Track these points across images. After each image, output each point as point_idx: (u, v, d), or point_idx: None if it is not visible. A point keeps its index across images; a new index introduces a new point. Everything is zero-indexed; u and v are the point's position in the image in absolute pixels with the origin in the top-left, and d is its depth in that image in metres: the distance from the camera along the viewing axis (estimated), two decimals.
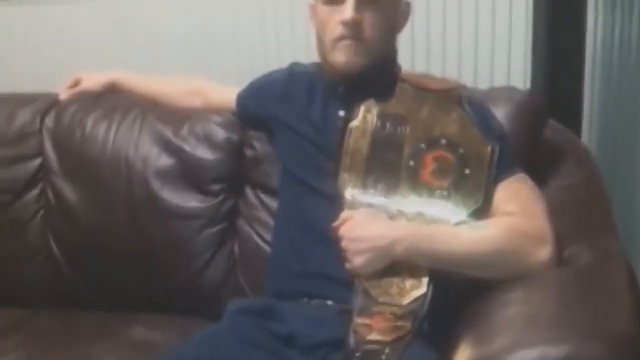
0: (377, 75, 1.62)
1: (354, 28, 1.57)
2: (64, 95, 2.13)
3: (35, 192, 2.09)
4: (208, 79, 2.07)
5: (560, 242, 1.46)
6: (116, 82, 2.12)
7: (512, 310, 1.31)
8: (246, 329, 1.49)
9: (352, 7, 1.56)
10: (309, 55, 1.79)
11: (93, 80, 2.13)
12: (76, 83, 2.14)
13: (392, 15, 1.64)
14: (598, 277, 1.38)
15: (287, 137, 1.75)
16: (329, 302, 1.54)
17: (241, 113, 1.94)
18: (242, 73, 2.31)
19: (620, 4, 2.31)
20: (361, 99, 1.61)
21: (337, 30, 1.59)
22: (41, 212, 2.08)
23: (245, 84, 1.93)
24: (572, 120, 2.13)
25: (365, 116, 1.59)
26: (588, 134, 2.36)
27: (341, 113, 1.64)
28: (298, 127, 1.70)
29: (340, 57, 1.60)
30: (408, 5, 1.70)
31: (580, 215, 1.64)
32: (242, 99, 1.93)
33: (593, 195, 1.74)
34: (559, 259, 1.44)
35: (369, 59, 1.59)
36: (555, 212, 1.51)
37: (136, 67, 2.18)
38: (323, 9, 1.62)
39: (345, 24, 1.57)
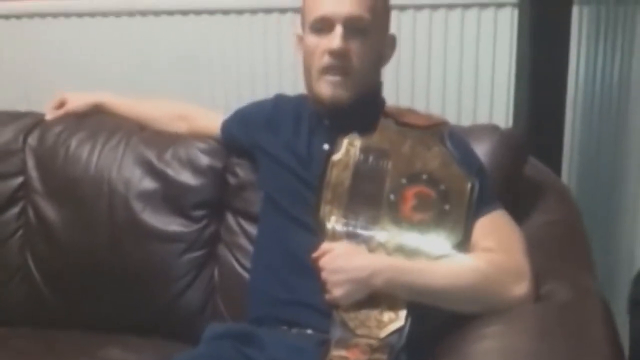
0: (362, 108, 1.64)
1: (340, 58, 1.58)
2: (49, 116, 2.12)
3: (15, 210, 2.07)
4: (195, 104, 2.08)
5: (538, 279, 1.46)
6: (102, 104, 2.12)
7: (489, 344, 1.31)
8: (225, 353, 1.48)
9: (339, 36, 1.57)
10: (295, 85, 1.80)
11: (78, 101, 2.12)
12: (61, 104, 2.14)
13: (378, 47, 1.65)
14: (575, 314, 1.39)
15: (270, 166, 1.75)
16: (309, 331, 1.54)
17: (226, 140, 1.94)
18: (229, 100, 2.34)
19: (603, 45, 2.34)
20: (346, 132, 1.62)
21: (323, 59, 1.60)
22: (20, 231, 2.07)
23: (231, 111, 1.95)
24: (553, 159, 2.15)
25: (349, 149, 1.60)
26: (568, 173, 2.39)
27: (326, 147, 1.64)
28: (282, 157, 1.71)
29: (327, 90, 1.61)
30: (394, 38, 1.72)
31: (558, 253, 1.65)
32: (228, 126, 1.94)
33: (572, 233, 1.76)
34: (537, 295, 1.45)
35: (354, 92, 1.60)
36: (534, 248, 1.52)
37: (123, 89, 2.19)
38: (311, 38, 1.63)
39: (332, 53, 1.58)
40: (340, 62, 1.59)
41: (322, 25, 1.60)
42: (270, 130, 1.78)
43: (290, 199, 1.67)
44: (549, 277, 1.50)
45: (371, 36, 1.61)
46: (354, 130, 1.62)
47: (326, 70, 1.60)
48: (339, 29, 1.58)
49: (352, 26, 1.58)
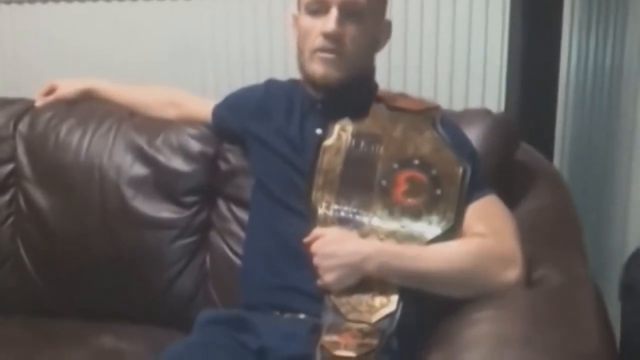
0: (355, 92, 1.64)
1: (334, 41, 1.58)
2: (39, 102, 2.11)
3: (6, 197, 2.07)
4: (185, 90, 2.07)
5: (530, 264, 1.47)
6: (92, 90, 2.11)
7: (481, 329, 1.31)
8: (218, 339, 1.48)
9: (335, 19, 1.57)
10: (287, 69, 1.80)
11: (68, 87, 2.12)
12: (51, 90, 2.13)
13: (374, 32, 1.65)
14: (567, 299, 1.39)
15: (261, 152, 1.75)
16: (302, 316, 1.54)
17: (217, 126, 1.94)
18: (219, 85, 2.34)
19: (595, 29, 2.34)
20: (338, 116, 1.62)
21: (317, 41, 1.60)
22: (11, 219, 2.06)
23: (222, 97, 1.94)
24: (545, 144, 2.15)
25: (340, 135, 1.60)
26: (560, 158, 2.39)
27: (318, 131, 1.64)
28: (274, 143, 1.71)
29: (319, 68, 1.61)
30: (389, 24, 1.72)
31: (550, 238, 1.66)
32: (218, 112, 1.93)
33: (563, 218, 1.76)
34: (528, 280, 1.45)
35: (346, 74, 1.60)
36: (526, 233, 1.52)
37: (114, 75, 2.18)
38: (306, 19, 1.63)
39: (326, 35, 1.58)
40: (334, 44, 1.59)
41: (318, 7, 1.61)
42: (262, 116, 1.78)
43: (282, 184, 1.67)
44: (541, 262, 1.51)
45: (366, 20, 1.61)
46: (346, 115, 1.62)
47: (320, 49, 1.60)
48: (334, 12, 1.58)
49: (348, 10, 1.58)
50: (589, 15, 2.33)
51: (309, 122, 1.68)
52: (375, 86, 1.74)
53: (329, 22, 1.57)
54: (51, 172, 2.02)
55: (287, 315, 1.56)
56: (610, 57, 2.35)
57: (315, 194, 1.56)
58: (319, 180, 1.57)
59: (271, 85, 1.85)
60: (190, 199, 1.96)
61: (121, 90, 2.10)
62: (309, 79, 1.65)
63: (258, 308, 1.60)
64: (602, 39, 2.34)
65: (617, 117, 2.39)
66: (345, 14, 1.58)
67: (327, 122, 1.63)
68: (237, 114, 1.87)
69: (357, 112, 1.63)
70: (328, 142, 1.60)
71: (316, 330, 1.44)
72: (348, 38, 1.59)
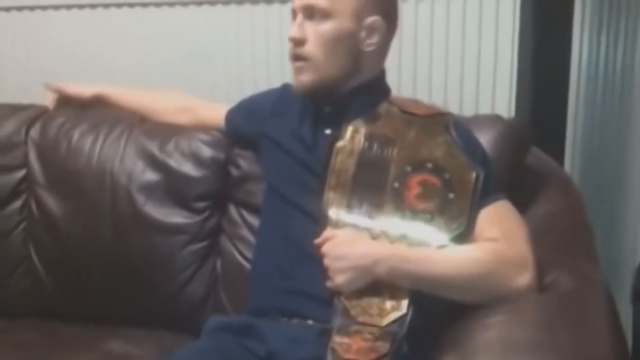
0: (360, 94, 1.64)
1: (297, 45, 1.62)
2: (49, 101, 2.13)
3: (18, 203, 2.08)
4: (196, 96, 2.08)
5: (541, 269, 1.46)
6: (102, 95, 2.12)
7: (492, 333, 1.31)
8: (226, 346, 1.49)
9: (296, 24, 1.61)
10: None
11: (79, 89, 2.13)
12: (58, 92, 2.14)
13: (344, 31, 1.61)
14: (579, 304, 1.39)
15: (275, 154, 1.75)
16: (310, 322, 1.54)
17: (230, 131, 1.95)
18: (230, 91, 2.34)
19: (606, 34, 2.34)
20: (349, 119, 1.62)
21: (289, 48, 1.64)
22: (23, 224, 2.07)
23: (234, 102, 1.95)
24: (555, 148, 2.15)
25: (353, 136, 1.60)
26: (571, 163, 2.38)
27: (327, 131, 1.65)
28: (287, 144, 1.71)
29: (293, 78, 1.65)
30: (380, 22, 1.64)
31: (561, 243, 1.65)
32: (232, 117, 1.94)
33: (575, 222, 1.75)
34: (540, 285, 1.45)
35: (314, 77, 1.62)
36: (537, 238, 1.51)
37: (125, 81, 2.18)
38: None
39: (289, 40, 1.62)
40: (296, 49, 1.62)
41: (293, 16, 1.64)
42: (277, 119, 1.78)
43: (294, 186, 1.67)
44: (552, 267, 1.50)
45: (334, 20, 1.59)
46: (357, 117, 1.62)
47: (291, 58, 1.64)
48: (298, 18, 1.61)
49: (309, 12, 1.60)
50: (600, 19, 2.33)
51: (320, 125, 1.68)
52: (387, 89, 1.73)
53: (292, 27, 1.61)
54: (63, 177, 2.03)
55: (295, 321, 1.56)
56: (621, 60, 2.34)
57: (327, 196, 1.56)
58: (331, 181, 1.57)
59: (287, 89, 1.85)
60: (201, 204, 1.96)
61: (132, 96, 2.11)
62: None
63: (266, 314, 1.60)
64: (613, 42, 2.34)
65: (629, 121, 2.38)
66: (309, 17, 1.60)
67: (338, 123, 1.63)
68: (251, 118, 1.88)
69: (369, 114, 1.63)
70: (341, 143, 1.60)
71: (325, 335, 1.44)
72: (310, 40, 1.61)
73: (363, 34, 1.63)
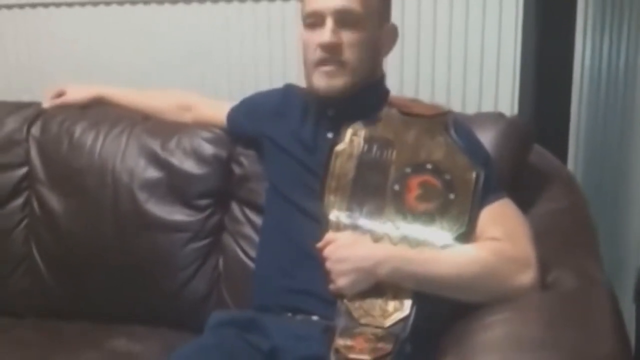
0: (365, 98, 1.64)
1: (332, 51, 1.60)
2: (46, 104, 2.12)
3: (19, 201, 2.08)
4: (198, 94, 2.07)
5: (544, 267, 1.46)
6: (102, 96, 2.12)
7: (495, 332, 1.31)
8: (229, 341, 1.49)
9: (330, 30, 1.58)
10: (299, 75, 1.79)
11: (78, 92, 2.13)
12: (60, 94, 2.14)
13: (373, 38, 1.63)
14: (582, 302, 1.39)
15: (276, 155, 1.75)
16: (314, 318, 1.54)
17: (232, 129, 1.95)
18: (232, 90, 2.33)
19: (609, 31, 2.33)
20: (350, 122, 1.62)
21: (316, 53, 1.61)
22: (25, 222, 2.07)
23: (236, 101, 1.94)
24: (559, 146, 2.15)
25: (353, 139, 1.60)
26: (574, 161, 2.38)
27: (329, 135, 1.65)
28: (288, 146, 1.71)
29: (321, 81, 1.62)
30: (395, 28, 1.71)
31: (564, 241, 1.65)
32: (234, 115, 1.94)
33: (578, 221, 1.75)
34: (542, 283, 1.45)
35: (349, 82, 1.61)
36: (540, 237, 1.51)
37: (127, 79, 2.18)
38: (305, 33, 1.65)
39: (323, 47, 1.59)
40: (332, 55, 1.60)
41: (315, 20, 1.62)
42: (278, 119, 1.78)
43: (295, 187, 1.67)
44: (555, 265, 1.50)
45: (364, 27, 1.60)
46: (358, 120, 1.62)
47: (320, 62, 1.62)
48: (329, 23, 1.59)
49: (343, 19, 1.59)
50: (603, 17, 2.32)
51: (322, 127, 1.68)
52: (386, 91, 1.74)
53: (325, 33, 1.59)
54: (64, 175, 2.03)
55: (299, 317, 1.56)
56: (624, 58, 2.34)
57: (328, 198, 1.56)
58: (331, 184, 1.57)
59: (289, 90, 1.85)
60: (203, 202, 1.96)
61: (133, 96, 2.11)
62: (313, 92, 1.66)
63: (270, 310, 1.60)
64: (616, 40, 2.33)
65: (632, 119, 2.38)
66: (341, 23, 1.59)
67: (339, 126, 1.63)
68: (253, 118, 1.88)
69: (369, 117, 1.63)
70: (340, 146, 1.60)
71: (329, 332, 1.45)
72: (346, 46, 1.60)
73: (385, 41, 1.67)
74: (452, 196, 1.52)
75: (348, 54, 1.60)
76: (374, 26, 1.63)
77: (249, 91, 1.96)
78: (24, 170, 2.07)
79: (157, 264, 1.95)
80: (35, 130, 2.08)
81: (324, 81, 1.62)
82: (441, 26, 2.30)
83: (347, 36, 1.59)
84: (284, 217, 1.68)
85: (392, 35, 1.70)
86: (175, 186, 1.96)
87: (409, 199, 1.53)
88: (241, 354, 1.46)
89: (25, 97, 2.24)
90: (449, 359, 1.32)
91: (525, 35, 2.22)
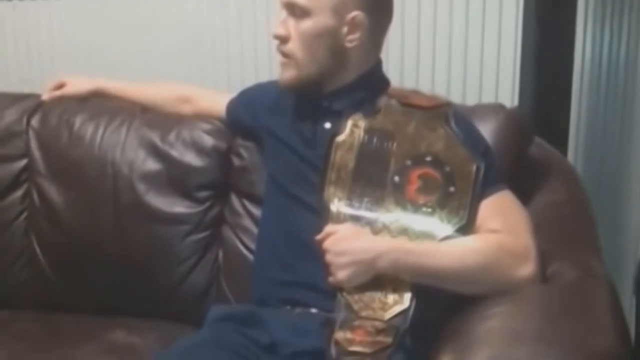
0: (361, 89, 1.64)
1: (280, 42, 1.62)
2: (46, 96, 2.12)
3: (19, 193, 2.07)
4: (197, 86, 2.07)
5: (544, 260, 1.46)
6: (102, 89, 2.11)
7: (494, 324, 1.31)
8: (228, 336, 1.48)
9: (279, 22, 1.61)
10: None
11: (77, 85, 2.12)
12: (60, 86, 2.13)
13: (328, 26, 1.60)
14: (581, 295, 1.39)
15: (275, 147, 1.75)
16: (313, 310, 1.54)
17: (231, 121, 1.94)
18: (232, 82, 2.33)
19: (609, 23, 2.33)
20: (348, 113, 1.61)
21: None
22: (25, 214, 2.07)
23: (235, 92, 1.94)
24: (559, 138, 2.14)
25: (353, 130, 1.59)
26: (574, 153, 2.38)
27: (327, 125, 1.64)
28: (287, 138, 1.71)
29: (279, 75, 1.65)
30: (359, 16, 1.60)
31: (564, 234, 1.65)
32: (233, 107, 1.94)
33: (578, 213, 1.75)
34: (542, 276, 1.45)
35: (295, 74, 1.63)
36: (540, 229, 1.51)
37: (126, 71, 2.18)
38: None
39: (274, 39, 1.63)
40: (280, 46, 1.63)
41: (281, 12, 1.64)
42: (276, 112, 1.78)
43: (295, 180, 1.67)
44: (555, 258, 1.50)
45: (314, 16, 1.59)
46: (356, 111, 1.61)
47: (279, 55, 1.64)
48: (282, 15, 1.62)
49: (290, 10, 1.61)
50: (604, 9, 2.31)
51: (319, 119, 1.68)
52: (386, 82, 1.72)
53: (276, 24, 1.62)
54: (64, 167, 2.03)
55: (298, 310, 1.56)
56: (625, 50, 2.34)
57: (328, 190, 1.56)
58: (331, 176, 1.57)
59: None
60: (203, 194, 1.96)
61: (132, 89, 2.10)
62: None
63: (269, 303, 1.60)
64: (617, 33, 2.33)
65: (632, 111, 2.37)
66: (292, 14, 1.61)
67: (337, 117, 1.63)
68: (251, 110, 1.87)
69: (368, 108, 1.63)
70: (340, 137, 1.60)
71: (328, 324, 1.45)
72: (294, 36, 1.61)
73: (345, 30, 1.61)
74: (452, 189, 1.52)
75: (293, 45, 1.61)
76: (326, 16, 1.59)
77: (249, 83, 1.96)
78: (23, 162, 2.07)
79: (156, 256, 1.95)
80: (35, 122, 2.07)
81: (280, 74, 1.66)
82: (442, 17, 2.30)
83: (296, 26, 1.61)
84: (283, 209, 1.68)
85: (357, 24, 1.61)
86: (174, 178, 1.96)
87: (409, 191, 1.53)
88: (240, 349, 1.46)
89: (25, 89, 2.24)
90: (448, 351, 1.31)
91: (525, 26, 2.22)
